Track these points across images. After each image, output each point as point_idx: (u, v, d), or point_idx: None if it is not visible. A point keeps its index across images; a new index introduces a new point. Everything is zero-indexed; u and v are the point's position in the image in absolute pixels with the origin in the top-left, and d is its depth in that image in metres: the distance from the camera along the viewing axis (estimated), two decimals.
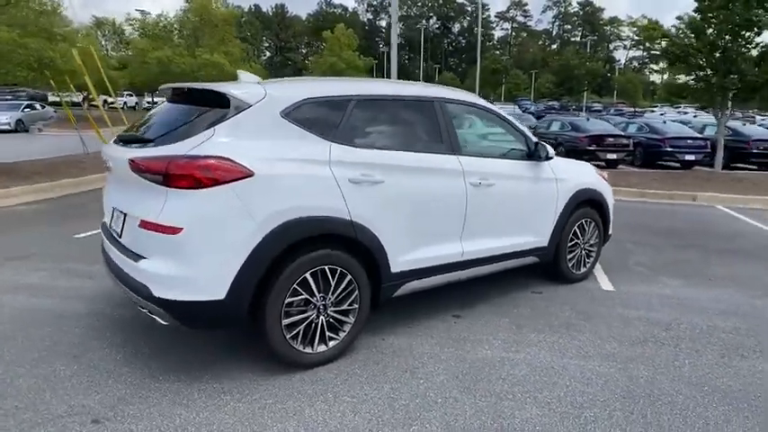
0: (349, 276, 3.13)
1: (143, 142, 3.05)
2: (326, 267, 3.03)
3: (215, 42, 26.49)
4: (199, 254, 2.69)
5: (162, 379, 2.97)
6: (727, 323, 4.01)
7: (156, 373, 3.04)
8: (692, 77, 12.51)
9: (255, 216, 2.76)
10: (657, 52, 13.01)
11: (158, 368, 3.09)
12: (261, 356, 3.14)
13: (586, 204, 4.77)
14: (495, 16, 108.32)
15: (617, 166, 14.86)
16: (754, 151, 15.18)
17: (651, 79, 79.67)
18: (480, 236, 3.88)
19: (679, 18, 11.81)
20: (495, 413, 2.73)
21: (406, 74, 73.83)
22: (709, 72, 11.83)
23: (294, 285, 2.93)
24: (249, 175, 2.74)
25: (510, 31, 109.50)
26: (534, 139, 4.36)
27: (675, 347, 3.57)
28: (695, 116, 30.10)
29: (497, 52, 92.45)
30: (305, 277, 2.95)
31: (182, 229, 2.64)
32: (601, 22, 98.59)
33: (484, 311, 4.10)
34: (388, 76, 21.69)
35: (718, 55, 11.50)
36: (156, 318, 2.84)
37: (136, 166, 2.82)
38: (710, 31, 11.42)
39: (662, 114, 32.64)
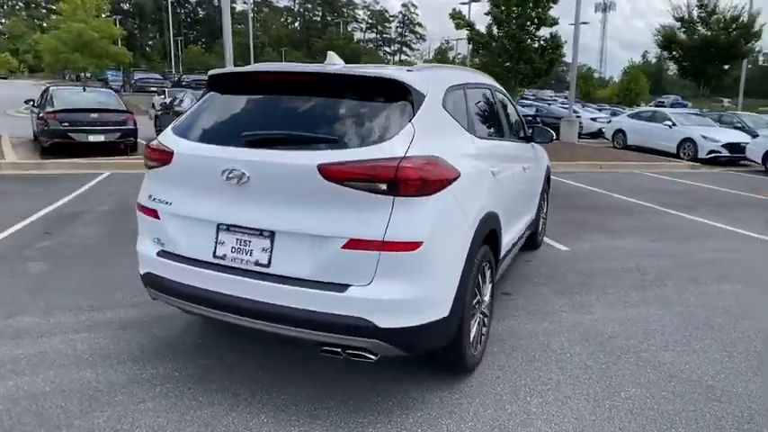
0: (489, 271, 3.12)
1: (309, 143, 2.42)
2: (485, 263, 2.97)
3: None
4: (434, 269, 2.38)
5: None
6: (653, 262, 5.29)
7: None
8: (490, 62, 14.80)
9: (468, 218, 2.61)
10: (463, 39, 14.90)
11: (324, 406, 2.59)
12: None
13: (548, 180, 5.51)
14: None
15: None
16: None
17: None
18: (518, 218, 4.17)
19: (489, 13, 13.78)
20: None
21: (134, 47, 65.39)
22: (505, 58, 14.17)
23: (475, 285, 2.80)
24: (458, 175, 2.50)
25: (251, 5, 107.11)
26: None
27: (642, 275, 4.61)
28: None
29: (239, 26, 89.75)
30: (478, 276, 2.84)
31: (420, 243, 2.27)
32: (339, 3, 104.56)
33: (522, 287, 4.45)
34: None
35: (509, 45, 13.88)
36: (365, 354, 2.39)
37: (341, 173, 2.25)
38: (506, 25, 13.70)
39: None
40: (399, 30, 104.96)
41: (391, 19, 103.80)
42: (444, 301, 2.45)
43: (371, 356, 2.41)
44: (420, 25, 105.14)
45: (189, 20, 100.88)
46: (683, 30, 21.89)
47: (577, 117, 20.07)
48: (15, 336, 3.28)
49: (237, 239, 2.49)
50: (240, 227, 2.48)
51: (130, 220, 3.11)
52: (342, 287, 2.31)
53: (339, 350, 2.41)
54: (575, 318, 3.86)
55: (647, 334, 3.61)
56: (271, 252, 2.42)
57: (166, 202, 2.66)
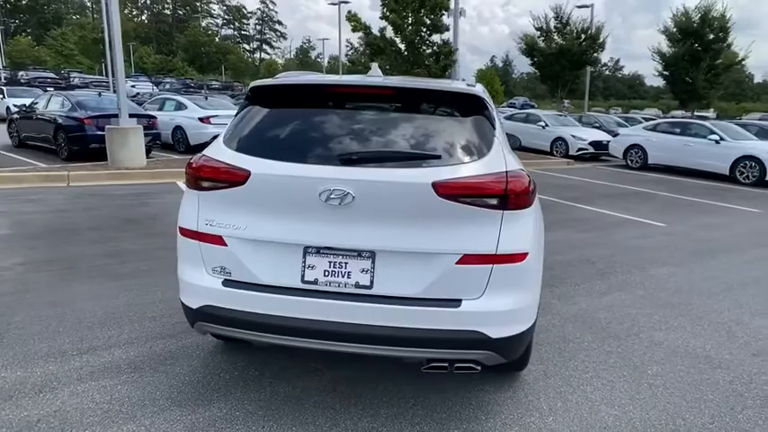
0: None
1: (412, 160, 2.37)
2: None
3: None
4: (533, 277, 2.49)
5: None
6: (594, 252, 5.98)
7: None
8: (387, 66, 15.11)
9: (542, 226, 2.72)
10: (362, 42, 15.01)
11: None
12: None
13: None
14: None
15: None
16: None
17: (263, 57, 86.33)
18: None
19: (384, 17, 14.00)
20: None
21: None
22: (400, 62, 14.59)
23: None
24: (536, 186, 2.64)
25: None
26: None
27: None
28: None
29: (76, 17, 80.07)
30: None
31: (527, 254, 2.37)
32: None
33: None
34: None
35: (406, 51, 14.34)
36: (472, 366, 2.44)
37: (455, 189, 2.25)
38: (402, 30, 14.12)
39: None
40: (258, 27, 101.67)
41: (249, 15, 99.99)
42: (534, 308, 2.57)
43: (477, 368, 2.45)
44: (280, 23, 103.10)
45: (7, 5, 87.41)
46: (542, 38, 24.49)
47: None
48: (8, 396, 2.72)
49: (331, 262, 2.36)
50: (334, 249, 2.35)
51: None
52: (455, 302, 2.32)
53: (446, 365, 2.42)
54: (567, 309, 4.23)
55: (633, 318, 4.10)
56: (372, 273, 2.33)
57: (236, 227, 2.42)
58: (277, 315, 2.37)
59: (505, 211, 2.32)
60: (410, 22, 14.05)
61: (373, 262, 2.33)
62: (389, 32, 14.80)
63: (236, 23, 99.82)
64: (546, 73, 24.56)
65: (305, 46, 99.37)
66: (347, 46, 37.17)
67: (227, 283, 2.45)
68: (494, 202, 2.30)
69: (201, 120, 13.56)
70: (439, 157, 2.38)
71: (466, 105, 2.57)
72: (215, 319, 2.49)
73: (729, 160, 12.46)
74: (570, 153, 16.34)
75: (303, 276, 2.37)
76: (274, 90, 2.72)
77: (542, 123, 17.64)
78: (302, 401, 2.78)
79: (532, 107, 45.02)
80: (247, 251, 2.42)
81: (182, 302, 2.63)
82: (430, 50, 14.51)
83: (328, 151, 2.43)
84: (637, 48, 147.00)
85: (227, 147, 2.53)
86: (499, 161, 2.40)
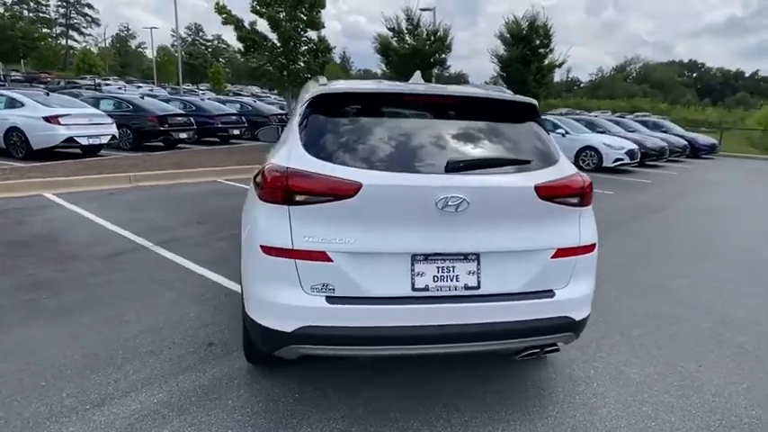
0: None
1: (500, 164, 2.51)
2: None
3: None
4: (596, 264, 2.77)
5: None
6: None
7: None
8: (266, 63, 14.48)
9: None
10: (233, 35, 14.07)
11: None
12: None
13: None
14: None
15: (177, 145, 14.89)
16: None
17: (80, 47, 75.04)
18: None
19: (256, 12, 13.31)
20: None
21: None
22: (282, 60, 14.15)
23: None
24: None
25: None
26: None
27: None
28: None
29: None
30: None
31: (595, 244, 2.67)
32: None
33: None
34: None
35: (282, 46, 13.95)
36: (556, 348, 2.68)
37: (551, 191, 2.46)
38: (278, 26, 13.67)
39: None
40: (62, 10, 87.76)
41: None
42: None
43: (558, 349, 2.70)
44: (90, 7, 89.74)
45: None
46: (395, 39, 25.67)
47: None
48: None
49: (438, 267, 2.40)
50: (441, 254, 2.40)
51: None
52: (549, 293, 2.53)
53: (538, 350, 2.63)
54: None
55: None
56: (479, 274, 2.43)
57: (343, 241, 2.31)
58: (386, 326, 2.35)
59: (582, 208, 2.60)
60: (285, 18, 13.71)
61: (479, 264, 2.43)
62: (262, 26, 14.29)
63: (32, 3, 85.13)
64: (401, 72, 25.79)
65: (122, 34, 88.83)
66: (173, 35, 34.43)
67: (331, 300, 2.34)
68: (575, 200, 2.56)
69: (48, 119, 11.64)
70: (529, 162, 2.56)
71: (525, 112, 2.79)
72: (314, 340, 2.36)
73: (574, 150, 14.48)
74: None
75: (414, 284, 2.37)
76: (346, 98, 2.64)
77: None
78: (388, 410, 2.75)
79: None
80: (354, 265, 2.34)
81: (264, 328, 2.43)
82: (306, 47, 14.34)
83: (431, 160, 2.45)
84: (460, 49, 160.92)
85: (315, 157, 2.39)
86: (568, 163, 2.67)
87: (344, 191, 2.30)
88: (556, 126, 15.25)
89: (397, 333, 2.36)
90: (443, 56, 25.81)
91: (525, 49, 25.06)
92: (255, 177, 2.66)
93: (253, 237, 2.44)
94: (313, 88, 2.71)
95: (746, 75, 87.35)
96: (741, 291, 4.95)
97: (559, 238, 2.54)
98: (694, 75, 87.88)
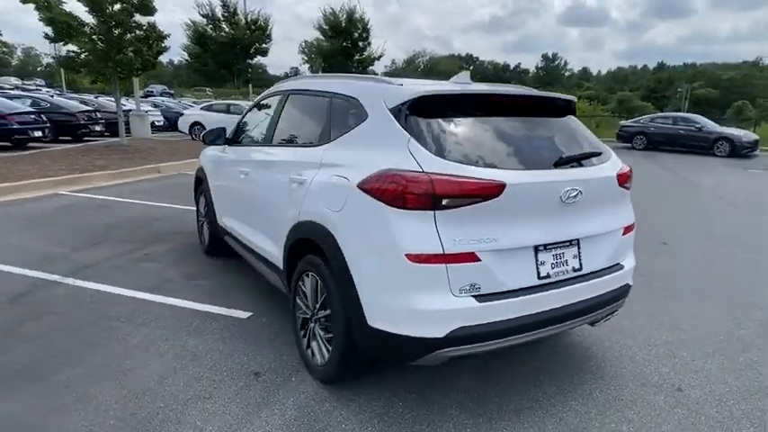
0: None
1: (591, 157, 2.84)
2: None
3: None
4: None
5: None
6: None
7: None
8: (84, 51, 12.16)
9: None
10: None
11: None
12: None
13: None
14: None
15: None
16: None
17: None
18: None
19: None
20: None
21: None
22: (103, 47, 12.07)
23: None
24: None
25: None
26: None
27: None
28: None
29: None
30: None
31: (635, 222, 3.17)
32: None
33: None
34: None
35: (106, 33, 11.98)
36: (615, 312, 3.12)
37: (623, 178, 2.90)
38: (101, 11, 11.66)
39: None
40: None
41: None
42: None
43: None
44: None
45: None
46: (211, 26, 24.09)
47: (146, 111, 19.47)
48: None
49: (554, 255, 2.62)
50: (556, 243, 2.62)
51: None
52: (619, 266, 2.96)
53: (609, 317, 3.02)
54: None
55: None
56: (580, 257, 2.72)
57: (489, 239, 2.37)
58: (522, 315, 2.50)
59: (628, 191, 3.07)
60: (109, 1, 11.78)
61: (579, 248, 2.72)
62: (75, 7, 12.07)
63: None
64: (221, 62, 24.40)
65: None
66: None
67: (480, 298, 2.39)
68: (629, 185, 3.02)
69: None
70: (600, 153, 2.91)
71: (570, 109, 3.13)
72: (465, 340, 2.39)
73: None
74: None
75: (539, 273, 2.56)
76: (448, 99, 2.66)
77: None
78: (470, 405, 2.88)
79: (171, 96, 43.67)
80: (496, 262, 2.42)
81: (408, 338, 2.37)
82: (133, 34, 12.54)
83: (540, 156, 2.66)
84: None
85: (447, 159, 2.38)
86: (611, 151, 3.10)
87: (491, 191, 2.36)
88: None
89: (529, 321, 2.52)
90: (265, 45, 25.16)
91: (345, 42, 25.86)
92: (364, 185, 2.48)
93: (391, 247, 2.33)
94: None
95: (511, 67, 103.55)
96: None
97: (625, 217, 2.98)
98: (471, 67, 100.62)
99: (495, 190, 2.37)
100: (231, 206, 4.50)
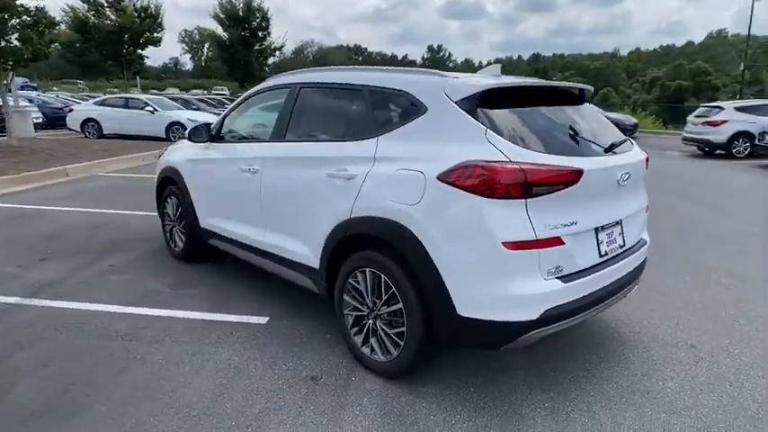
0: None
1: (620, 144, 3.03)
2: None
3: None
4: None
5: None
6: None
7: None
8: None
9: None
10: None
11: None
12: None
13: None
14: None
15: None
16: None
17: None
18: None
19: None
20: None
21: None
22: None
23: None
24: None
25: None
26: None
27: None
28: None
29: None
30: None
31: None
32: None
33: None
34: None
35: None
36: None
37: (647, 161, 3.21)
38: None
39: None
40: None
41: None
42: None
43: None
44: None
45: None
46: (93, 13, 21.81)
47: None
48: None
49: (608, 234, 2.83)
50: (608, 223, 2.83)
51: None
52: (644, 240, 3.27)
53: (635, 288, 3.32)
54: None
55: None
56: (623, 234, 2.96)
57: (570, 223, 2.52)
58: (592, 292, 2.69)
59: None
60: None
61: (621, 226, 2.97)
62: None
63: None
64: (104, 52, 22.24)
65: None
66: None
67: (564, 279, 2.53)
68: (646, 167, 3.33)
69: None
70: (626, 139, 3.16)
71: (587, 97, 3.36)
72: (554, 319, 2.52)
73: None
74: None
75: (600, 251, 2.76)
76: (512, 92, 2.76)
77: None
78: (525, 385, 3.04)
79: (34, 89, 39.12)
80: (575, 244, 2.58)
81: (502, 324, 2.45)
82: (20, 20, 10.92)
83: (593, 143, 2.84)
84: None
85: (526, 149, 2.48)
86: None
87: (572, 177, 2.50)
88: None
89: (597, 296, 2.71)
90: (156, 34, 23.34)
91: (244, 32, 24.80)
92: (446, 178, 2.49)
93: (486, 236, 2.37)
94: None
95: (399, 58, 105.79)
96: None
97: (645, 197, 3.29)
98: (360, 58, 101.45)
99: (576, 176, 2.51)
100: (225, 207, 4.21)
